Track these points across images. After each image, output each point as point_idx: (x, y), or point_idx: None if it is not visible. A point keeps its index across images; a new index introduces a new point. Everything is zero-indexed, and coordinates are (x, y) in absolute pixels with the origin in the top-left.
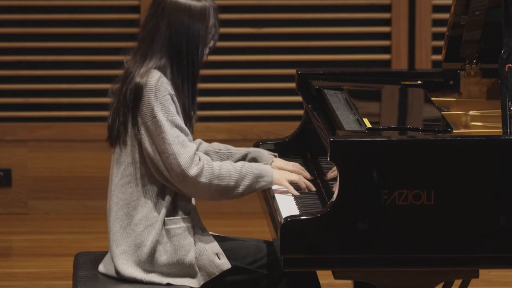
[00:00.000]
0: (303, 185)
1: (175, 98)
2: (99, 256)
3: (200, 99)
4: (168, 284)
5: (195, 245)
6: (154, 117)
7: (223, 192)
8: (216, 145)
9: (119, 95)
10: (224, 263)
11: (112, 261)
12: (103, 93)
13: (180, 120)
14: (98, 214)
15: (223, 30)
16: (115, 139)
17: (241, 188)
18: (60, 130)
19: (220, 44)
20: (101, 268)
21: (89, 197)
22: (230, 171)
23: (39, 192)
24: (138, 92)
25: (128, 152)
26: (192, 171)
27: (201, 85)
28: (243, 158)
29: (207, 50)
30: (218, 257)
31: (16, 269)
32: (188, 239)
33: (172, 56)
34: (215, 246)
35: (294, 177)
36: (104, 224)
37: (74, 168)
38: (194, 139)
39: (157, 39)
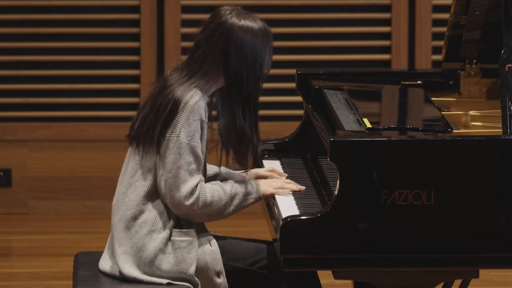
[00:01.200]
0: (287, 191)
1: (204, 124)
2: (99, 256)
3: None
4: (168, 283)
5: (198, 259)
6: (177, 135)
7: (213, 215)
8: None
9: (153, 105)
10: (222, 284)
11: (114, 258)
12: (103, 93)
13: (199, 148)
14: (98, 214)
15: None
16: (137, 142)
17: (231, 209)
18: (60, 130)
19: None
20: (101, 264)
21: (89, 197)
22: (221, 195)
23: (39, 192)
24: (173, 109)
25: (150, 157)
26: (188, 201)
27: None
28: (214, 177)
29: (261, 78)
30: (218, 276)
31: (16, 269)
32: (191, 253)
33: (230, 84)
34: (217, 264)
35: (278, 184)
36: (104, 224)
37: (74, 168)
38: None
39: (210, 63)
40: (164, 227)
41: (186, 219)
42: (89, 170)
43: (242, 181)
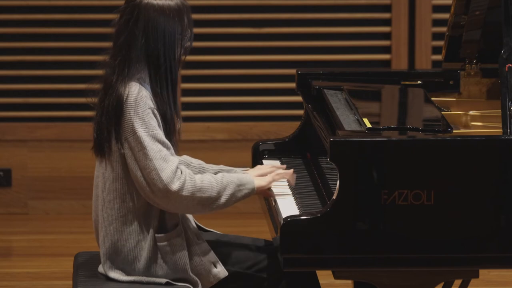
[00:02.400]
0: (286, 177)
1: (156, 112)
2: (99, 256)
3: (200, 99)
4: (167, 283)
5: (189, 256)
6: (134, 133)
7: (206, 204)
8: (188, 158)
9: (102, 108)
10: (221, 272)
11: (106, 271)
12: None
13: (161, 134)
14: None
15: (224, 30)
16: (101, 152)
17: (223, 198)
18: (60, 130)
19: (220, 44)
20: (101, 270)
21: (89, 197)
22: (212, 182)
23: (39, 192)
24: (119, 107)
25: (113, 167)
26: (175, 185)
27: (201, 85)
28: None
29: (183, 52)
30: (215, 266)
31: (16, 269)
32: (181, 253)
33: (150, 63)
34: (210, 255)
35: (276, 178)
36: None
37: (74, 168)
38: (178, 148)
39: (134, 48)
40: (147, 234)
41: (179, 212)
42: (89, 170)
43: (235, 173)
